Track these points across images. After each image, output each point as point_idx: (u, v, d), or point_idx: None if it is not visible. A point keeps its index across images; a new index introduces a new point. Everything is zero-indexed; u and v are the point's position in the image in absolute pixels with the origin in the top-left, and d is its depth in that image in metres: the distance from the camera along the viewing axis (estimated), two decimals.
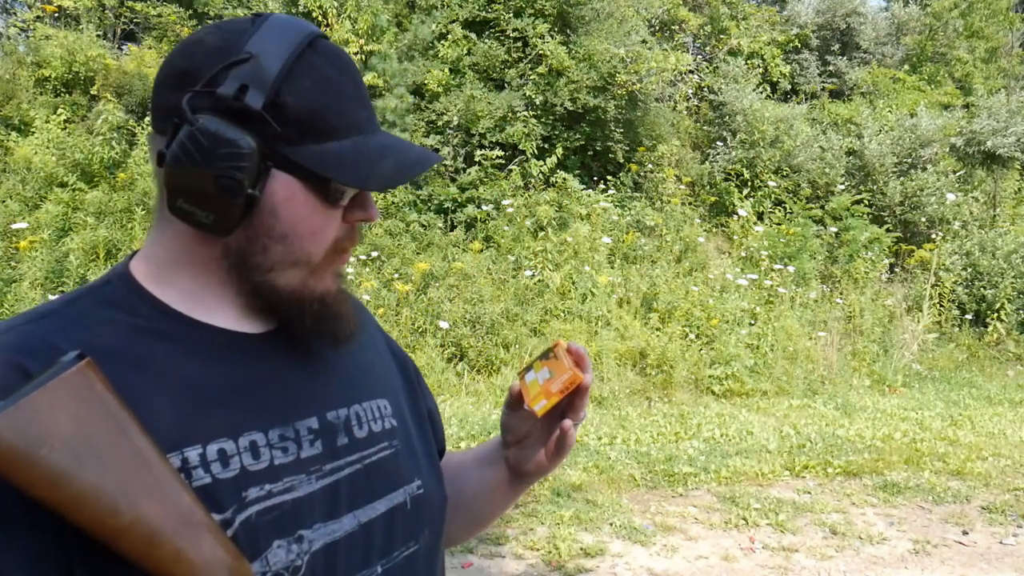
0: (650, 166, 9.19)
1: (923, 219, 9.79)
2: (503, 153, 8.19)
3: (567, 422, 0.90)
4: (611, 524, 3.94)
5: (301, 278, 0.74)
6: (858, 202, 9.68)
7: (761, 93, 10.68)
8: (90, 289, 0.75)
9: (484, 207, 7.76)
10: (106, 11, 8.48)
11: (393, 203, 7.55)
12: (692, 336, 7.09)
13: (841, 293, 8.65)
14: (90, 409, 0.60)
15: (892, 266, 9.53)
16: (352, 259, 6.70)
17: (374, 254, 6.91)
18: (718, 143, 10.02)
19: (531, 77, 8.56)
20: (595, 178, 8.90)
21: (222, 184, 0.68)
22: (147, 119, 7.06)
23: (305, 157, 0.70)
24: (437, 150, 8.25)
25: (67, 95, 7.39)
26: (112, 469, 0.60)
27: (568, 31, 8.86)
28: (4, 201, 6.53)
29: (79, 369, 0.60)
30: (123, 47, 8.57)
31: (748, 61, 11.41)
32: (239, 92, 0.67)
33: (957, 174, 10.32)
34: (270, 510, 0.69)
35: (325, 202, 0.73)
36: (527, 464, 0.95)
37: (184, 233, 0.73)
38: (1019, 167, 10.99)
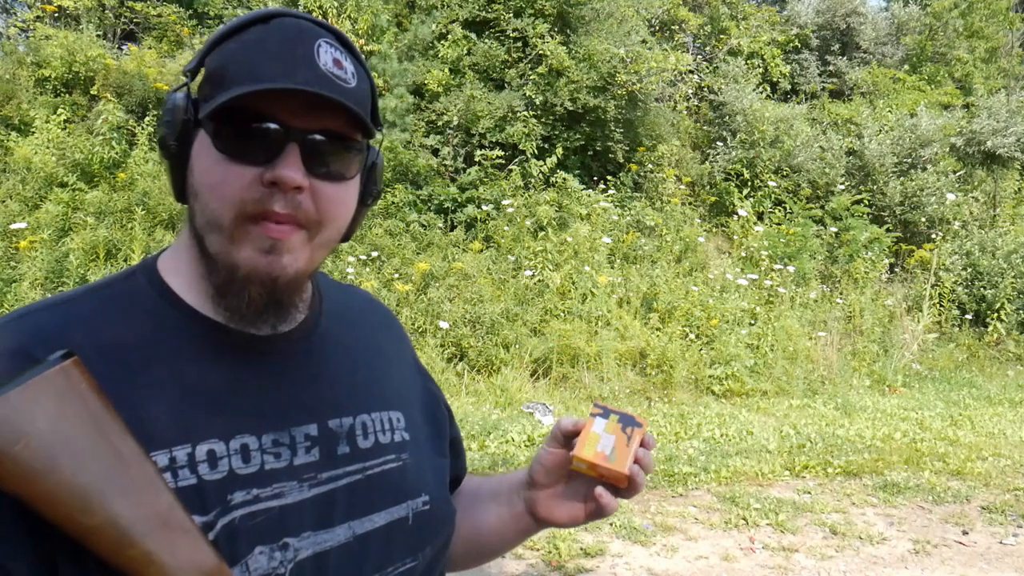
0: (650, 166, 9.18)
1: (923, 219, 9.79)
2: (503, 153, 8.19)
3: (610, 503, 0.88)
4: (611, 524, 3.94)
5: (221, 244, 0.70)
6: (858, 202, 9.68)
7: (761, 93, 10.69)
8: (114, 279, 0.76)
9: (484, 207, 7.76)
10: (106, 11, 8.47)
11: (393, 203, 7.55)
12: (692, 336, 7.09)
13: (841, 293, 8.65)
14: (70, 408, 0.60)
15: (892, 266, 9.53)
16: (352, 259, 6.70)
17: (374, 254, 6.91)
18: (718, 143, 10.02)
19: (531, 77, 8.56)
20: (595, 178, 8.90)
21: (161, 143, 0.73)
22: (147, 119, 7.06)
23: (206, 108, 0.70)
24: (437, 150, 8.25)
25: (67, 95, 7.38)
26: (87, 469, 0.60)
27: (568, 31, 8.86)
28: (4, 201, 6.52)
29: (62, 368, 0.61)
30: (123, 47, 8.56)
31: (748, 61, 11.41)
32: (187, 65, 0.75)
33: (957, 174, 10.32)
34: (255, 515, 0.69)
35: (224, 154, 0.69)
36: (558, 513, 0.93)
37: (187, 214, 0.75)
38: (1019, 167, 11.00)
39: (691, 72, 10.60)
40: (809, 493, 4.59)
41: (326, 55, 0.71)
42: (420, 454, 0.85)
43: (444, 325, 6.34)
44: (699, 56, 11.44)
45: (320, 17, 7.60)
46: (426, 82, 8.27)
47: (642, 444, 0.88)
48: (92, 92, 7.32)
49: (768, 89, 11.42)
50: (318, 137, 0.70)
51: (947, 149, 10.47)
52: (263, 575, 0.68)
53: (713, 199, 9.59)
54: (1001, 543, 4.01)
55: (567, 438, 0.90)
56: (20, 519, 0.61)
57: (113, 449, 0.62)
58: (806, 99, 12.17)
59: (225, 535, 0.67)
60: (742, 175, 9.65)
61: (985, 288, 9.07)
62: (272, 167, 0.68)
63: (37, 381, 0.59)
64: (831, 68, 12.64)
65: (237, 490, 0.68)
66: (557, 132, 8.64)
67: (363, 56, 0.78)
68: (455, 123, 8.24)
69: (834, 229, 9.36)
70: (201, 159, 0.71)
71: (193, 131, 0.72)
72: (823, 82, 12.51)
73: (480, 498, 1.00)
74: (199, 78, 0.74)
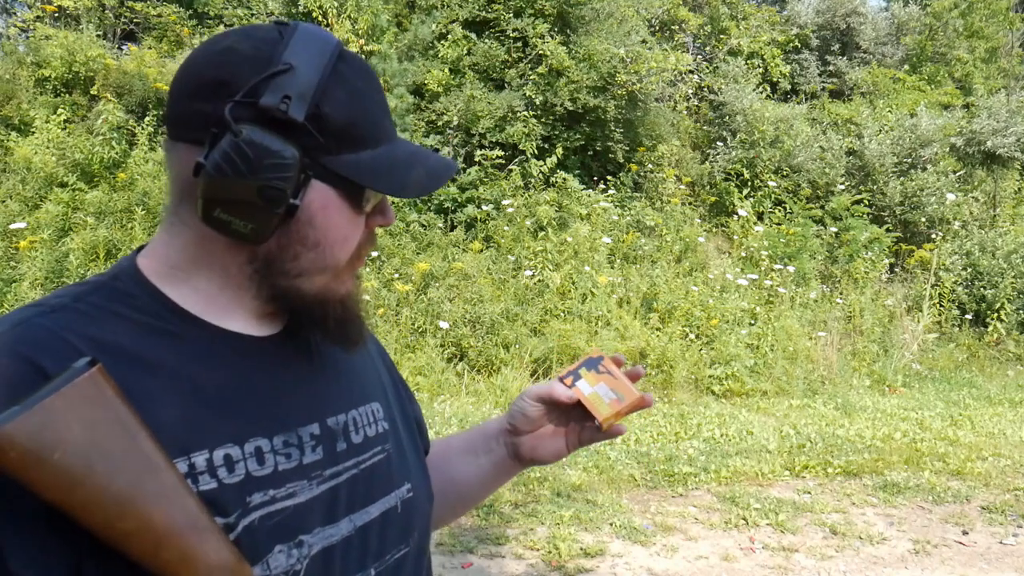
0: (650, 166, 9.18)
1: (923, 219, 9.79)
2: (503, 153, 8.19)
3: (622, 427, 1.01)
4: (611, 524, 3.94)
5: (325, 282, 0.76)
6: (858, 202, 9.68)
7: (761, 93, 10.68)
8: (99, 283, 0.74)
9: (484, 207, 7.76)
10: (106, 11, 8.47)
11: (393, 203, 7.53)
12: (692, 336, 7.08)
13: (841, 293, 8.65)
14: (101, 414, 0.61)
15: (892, 266, 9.52)
16: None
17: (374, 254, 6.91)
18: (718, 143, 10.02)
19: (531, 77, 8.56)
20: (595, 178, 8.89)
21: (266, 194, 0.68)
22: (147, 119, 7.04)
23: (343, 166, 0.72)
24: (437, 150, 8.25)
25: (67, 95, 7.38)
26: (121, 474, 0.61)
27: (568, 31, 8.86)
28: (4, 201, 6.52)
29: (91, 375, 0.61)
30: (123, 47, 8.56)
31: (748, 61, 11.41)
32: (282, 103, 0.68)
33: (957, 174, 10.32)
34: (272, 515, 0.70)
35: (355, 210, 0.75)
36: (543, 452, 1.01)
37: (205, 238, 0.73)
38: (1019, 167, 10.99)
39: (691, 72, 10.60)
40: (809, 493, 4.59)
41: None
42: (399, 441, 0.88)
43: (444, 325, 6.34)
44: (699, 56, 11.43)
45: (320, 17, 7.63)
46: (426, 82, 8.27)
47: (616, 364, 0.99)
48: (92, 92, 7.32)
49: (768, 89, 11.41)
50: None
51: (947, 149, 10.46)
52: (282, 572, 0.70)
53: (713, 199, 9.59)
54: (1001, 543, 4.01)
55: (560, 404, 0.99)
56: (45, 523, 0.62)
57: (143, 453, 0.63)
58: (806, 99, 12.17)
59: (246, 535, 0.68)
60: (742, 175, 9.65)
61: (985, 288, 9.07)
62: (383, 213, 0.79)
63: (69, 389, 0.60)
64: (831, 68, 12.64)
65: (255, 492, 0.70)
66: (557, 132, 8.64)
67: (356, 50, 0.80)
68: (455, 123, 8.23)
69: (834, 229, 9.35)
70: (331, 215, 0.73)
71: (306, 181, 0.71)
72: (823, 82, 12.50)
73: (452, 453, 1.06)
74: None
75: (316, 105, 0.69)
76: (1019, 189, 11.55)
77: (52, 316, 0.69)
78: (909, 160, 10.27)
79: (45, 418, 0.58)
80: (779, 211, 9.50)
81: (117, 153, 6.75)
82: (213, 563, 0.64)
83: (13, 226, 6.09)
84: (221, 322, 0.75)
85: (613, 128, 8.74)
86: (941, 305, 8.96)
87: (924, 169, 10.18)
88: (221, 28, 8.23)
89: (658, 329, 7.04)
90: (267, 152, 0.67)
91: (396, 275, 6.74)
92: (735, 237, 9.05)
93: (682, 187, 9.37)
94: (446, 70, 8.41)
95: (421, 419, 1.01)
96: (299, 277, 0.74)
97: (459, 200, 7.89)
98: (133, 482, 0.61)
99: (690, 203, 9.34)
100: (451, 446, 1.07)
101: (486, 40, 8.75)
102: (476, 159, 8.04)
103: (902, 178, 10.08)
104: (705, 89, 10.94)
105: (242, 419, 0.72)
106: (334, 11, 7.67)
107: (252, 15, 8.07)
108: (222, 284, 0.75)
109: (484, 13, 8.80)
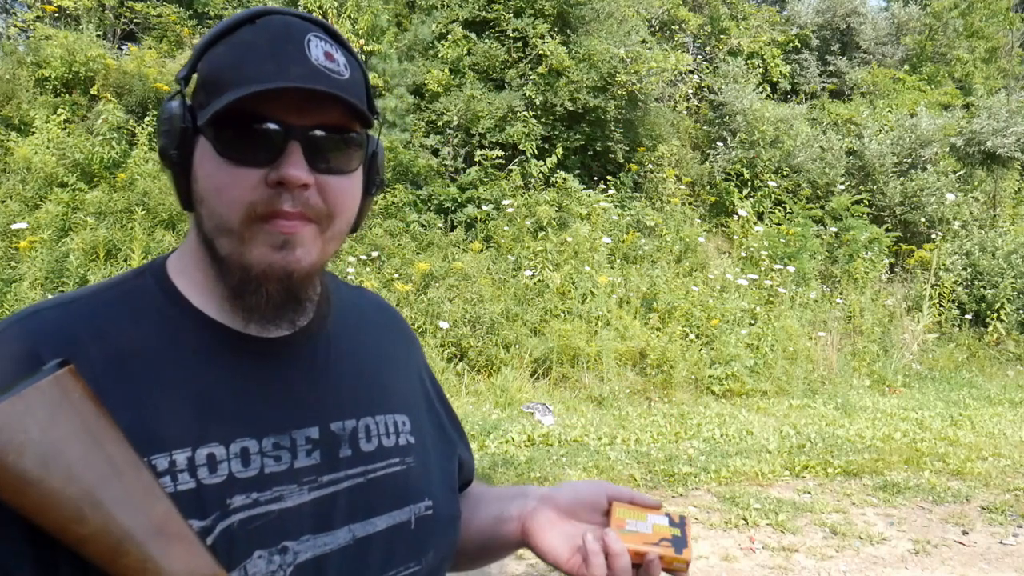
0: (650, 166, 9.19)
1: (923, 219, 9.79)
2: (503, 153, 8.19)
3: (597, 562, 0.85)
4: None
5: (232, 245, 0.71)
6: (858, 202, 9.68)
7: (761, 93, 10.68)
8: (123, 279, 0.76)
9: (484, 207, 7.76)
10: (106, 11, 8.47)
11: (393, 203, 7.55)
12: (692, 336, 7.08)
13: (841, 293, 8.65)
14: (63, 417, 0.60)
15: (892, 266, 9.53)
16: (352, 259, 6.70)
17: (374, 254, 6.91)
18: (718, 143, 10.02)
19: (531, 77, 8.56)
20: (595, 178, 8.89)
21: (161, 151, 0.73)
22: (147, 119, 7.07)
23: (201, 114, 0.71)
24: (437, 150, 8.25)
25: (67, 95, 7.37)
26: (80, 478, 0.60)
27: (568, 31, 8.86)
28: (4, 201, 6.52)
29: (56, 378, 0.61)
30: (123, 47, 8.56)
31: (748, 61, 11.41)
32: (179, 72, 0.74)
33: (957, 174, 10.32)
34: (254, 519, 0.69)
35: (227, 159, 0.69)
36: (546, 539, 0.89)
37: (193, 220, 0.76)
38: (1019, 167, 10.99)
39: (691, 72, 10.60)
40: (809, 493, 4.59)
41: (317, 49, 0.70)
42: (426, 458, 0.85)
43: (444, 325, 6.34)
44: (699, 56, 11.43)
45: (320, 17, 7.62)
46: (426, 82, 8.27)
47: (643, 557, 0.85)
48: (92, 92, 7.32)
49: (768, 89, 11.41)
50: (318, 132, 0.70)
51: (947, 149, 10.46)
52: None
53: (713, 199, 9.59)
54: (1001, 543, 4.01)
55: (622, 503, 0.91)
56: (22, 523, 0.61)
57: (107, 458, 0.62)
58: (806, 99, 12.17)
59: (224, 539, 0.67)
60: (742, 175, 9.65)
61: (985, 288, 9.07)
62: (276, 167, 0.69)
63: (30, 391, 0.59)
64: (831, 68, 12.64)
65: (236, 494, 0.68)
66: (557, 132, 8.64)
67: (356, 50, 0.78)
68: (455, 123, 8.23)
69: (834, 229, 9.35)
70: (204, 165, 0.71)
71: (193, 138, 0.72)
72: (823, 82, 12.50)
73: (484, 499, 0.98)
74: (192, 85, 0.75)
75: (194, 64, 0.73)
76: (1019, 189, 11.55)
77: (63, 308, 0.71)
78: (909, 160, 10.27)
79: (1, 420, 0.58)
80: (779, 211, 9.50)
81: (117, 153, 6.75)
82: (177, 570, 0.62)
83: (13, 226, 6.09)
84: (223, 318, 0.74)
85: (613, 128, 8.74)
86: (941, 305, 8.96)
87: (924, 169, 10.17)
88: None
89: (658, 329, 7.04)
90: (163, 116, 0.73)
91: (396, 275, 6.73)
92: (735, 237, 9.04)
93: (682, 187, 9.37)
94: (446, 70, 8.41)
95: (466, 458, 0.96)
96: (214, 243, 0.72)
97: (459, 200, 7.89)
98: (92, 486, 0.60)
99: (690, 203, 9.34)
100: (489, 491, 0.99)
101: (486, 40, 8.75)
102: (476, 159, 8.04)
103: (902, 178, 10.08)
104: (705, 89, 10.93)
105: (232, 419, 0.71)
106: (334, 11, 7.67)
107: None
108: (208, 272, 0.75)
109: (484, 13, 8.80)
